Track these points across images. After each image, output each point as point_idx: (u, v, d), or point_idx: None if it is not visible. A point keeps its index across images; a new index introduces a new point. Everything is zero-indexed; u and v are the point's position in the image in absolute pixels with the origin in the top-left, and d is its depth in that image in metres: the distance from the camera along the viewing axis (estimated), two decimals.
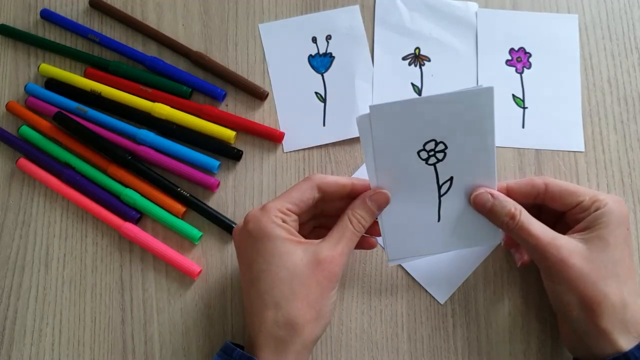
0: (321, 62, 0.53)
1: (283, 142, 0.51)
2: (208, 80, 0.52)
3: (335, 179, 0.40)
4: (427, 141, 0.39)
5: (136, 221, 0.49)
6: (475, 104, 0.37)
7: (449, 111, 0.38)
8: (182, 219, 0.49)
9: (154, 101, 0.51)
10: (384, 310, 0.47)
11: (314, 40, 0.54)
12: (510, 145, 0.50)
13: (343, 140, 0.51)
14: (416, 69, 0.52)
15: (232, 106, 0.52)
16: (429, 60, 0.53)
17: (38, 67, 0.53)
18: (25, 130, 0.51)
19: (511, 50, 0.53)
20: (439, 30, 0.53)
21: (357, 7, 0.54)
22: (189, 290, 0.47)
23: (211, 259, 0.48)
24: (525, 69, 0.52)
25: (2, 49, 0.55)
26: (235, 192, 0.50)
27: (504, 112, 0.51)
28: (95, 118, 0.51)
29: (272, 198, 0.48)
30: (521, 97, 0.51)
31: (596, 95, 0.51)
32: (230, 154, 0.50)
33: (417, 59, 0.53)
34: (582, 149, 0.50)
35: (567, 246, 0.38)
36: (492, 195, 0.40)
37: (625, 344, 0.36)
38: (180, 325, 0.46)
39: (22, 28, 0.55)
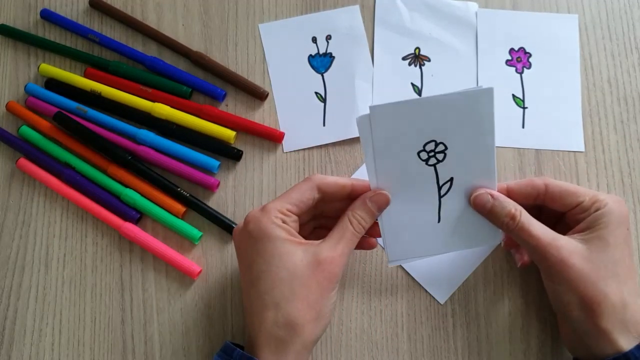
0: (321, 62, 0.53)
1: (283, 142, 0.51)
2: (208, 80, 0.52)
3: (335, 180, 0.40)
4: (427, 142, 0.39)
5: (136, 221, 0.49)
6: (475, 105, 0.37)
7: (449, 112, 0.38)
8: (182, 219, 0.49)
9: (154, 101, 0.51)
10: (384, 310, 0.47)
11: (314, 40, 0.54)
12: (510, 145, 0.50)
13: (343, 140, 0.51)
14: (416, 69, 0.52)
15: (232, 106, 0.52)
16: (429, 60, 0.53)
17: (38, 67, 0.53)
18: (25, 130, 0.51)
19: (511, 50, 0.53)
20: (439, 30, 0.53)
21: (357, 7, 0.54)
22: (189, 290, 0.47)
23: (211, 259, 0.48)
24: (525, 69, 0.52)
25: (2, 49, 0.55)
26: (235, 192, 0.50)
27: (504, 112, 0.51)
28: (95, 118, 0.51)
29: (272, 198, 0.48)
30: (521, 97, 0.51)
31: (596, 95, 0.51)
32: (230, 154, 0.50)
33: (417, 59, 0.53)
34: (582, 149, 0.50)
35: (568, 246, 0.38)
36: (492, 195, 0.40)
37: (626, 344, 0.37)
38: (180, 325, 0.47)
39: (22, 28, 0.55)
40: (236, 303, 0.47)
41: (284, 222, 0.38)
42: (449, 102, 0.37)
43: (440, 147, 0.39)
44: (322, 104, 0.52)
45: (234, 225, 0.47)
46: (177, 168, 0.49)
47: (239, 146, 0.51)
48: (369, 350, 0.46)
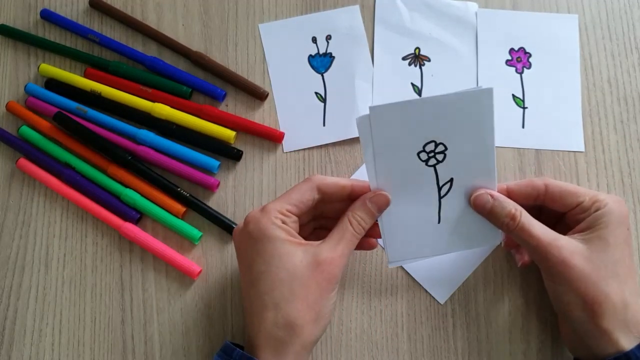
0: (321, 62, 0.53)
1: (283, 142, 0.51)
2: (208, 80, 0.52)
3: (335, 180, 0.40)
4: (427, 142, 0.39)
5: (136, 221, 0.49)
6: (475, 105, 0.37)
7: (449, 112, 0.38)
8: (182, 219, 0.49)
9: (154, 101, 0.51)
10: (384, 310, 0.47)
11: (314, 40, 0.54)
12: (510, 145, 0.50)
13: (343, 140, 0.51)
14: (416, 69, 0.52)
15: (232, 106, 0.52)
16: (429, 60, 0.53)
17: (38, 67, 0.53)
18: (25, 130, 0.51)
19: (511, 50, 0.53)
20: (439, 30, 0.53)
21: (357, 7, 0.54)
22: (189, 290, 0.47)
23: (211, 259, 0.48)
24: (525, 69, 0.52)
25: (2, 49, 0.55)
26: (235, 192, 0.50)
27: (504, 112, 0.51)
28: (95, 118, 0.51)
29: (272, 198, 0.49)
30: (521, 97, 0.51)
31: (596, 95, 0.51)
32: (230, 154, 0.50)
33: (417, 59, 0.53)
34: (582, 149, 0.50)
35: (568, 247, 0.38)
36: (492, 196, 0.40)
37: (627, 343, 0.37)
38: (180, 325, 0.47)
39: (22, 28, 0.55)
40: (236, 303, 0.47)
41: (283, 222, 0.38)
42: (448, 102, 0.37)
43: (440, 148, 0.39)
44: (322, 104, 0.52)
45: (234, 225, 0.47)
46: (177, 168, 0.49)
47: (239, 146, 0.51)
48: (369, 350, 0.46)
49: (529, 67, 0.52)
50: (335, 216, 0.41)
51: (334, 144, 0.51)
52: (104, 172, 0.50)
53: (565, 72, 0.52)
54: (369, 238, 0.43)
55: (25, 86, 0.53)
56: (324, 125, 0.51)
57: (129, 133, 0.51)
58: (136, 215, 0.49)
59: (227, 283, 0.47)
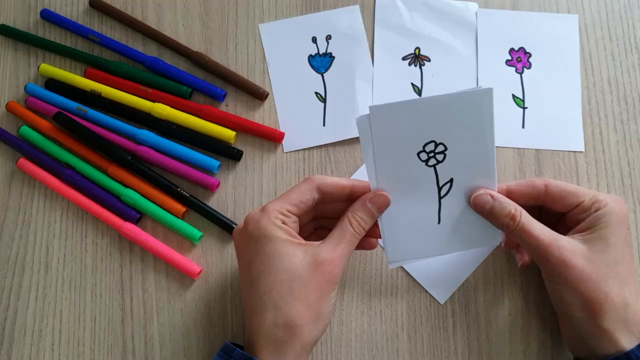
0: (321, 62, 0.53)
1: (283, 142, 0.51)
2: (208, 80, 0.52)
3: (335, 181, 0.40)
4: (427, 142, 0.39)
5: (136, 221, 0.49)
6: (474, 105, 0.37)
7: (449, 112, 0.38)
8: (182, 219, 0.49)
9: (154, 101, 0.51)
10: (384, 310, 0.47)
11: (314, 40, 0.54)
12: (510, 145, 0.50)
13: (343, 140, 0.51)
14: (416, 69, 0.52)
15: (232, 106, 0.52)
16: (429, 60, 0.53)
17: (38, 67, 0.53)
18: (25, 130, 0.51)
19: (511, 50, 0.53)
20: (439, 30, 0.53)
21: (357, 7, 0.54)
22: (189, 290, 0.47)
23: (211, 259, 0.48)
24: (525, 69, 0.52)
25: (2, 49, 0.55)
26: (235, 192, 0.50)
27: (504, 112, 0.51)
28: (95, 118, 0.51)
29: (272, 198, 0.49)
30: (521, 97, 0.51)
31: (596, 95, 0.51)
32: (230, 154, 0.50)
33: (417, 59, 0.53)
34: (582, 149, 0.50)
35: (569, 247, 0.38)
36: (491, 196, 0.39)
37: (627, 343, 0.37)
38: (180, 326, 0.46)
39: (22, 28, 0.55)
40: (236, 303, 0.47)
41: (283, 222, 0.38)
42: (448, 102, 0.37)
43: (440, 148, 0.39)
44: (322, 104, 0.52)
45: (234, 225, 0.47)
46: (177, 168, 0.49)
47: (239, 146, 0.51)
48: (369, 350, 0.46)
49: (529, 67, 0.52)
50: (336, 216, 0.41)
51: (334, 144, 0.51)
52: (104, 172, 0.50)
53: (565, 72, 0.52)
54: (369, 238, 0.43)
55: (25, 86, 0.53)
56: (324, 125, 0.51)
57: (129, 133, 0.51)
58: (136, 215, 0.49)
59: (227, 283, 0.47)
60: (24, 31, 0.54)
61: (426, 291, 0.47)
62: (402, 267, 0.47)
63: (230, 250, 0.48)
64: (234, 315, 0.47)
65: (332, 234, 0.39)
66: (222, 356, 0.38)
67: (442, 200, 0.40)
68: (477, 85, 0.52)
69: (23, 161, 0.50)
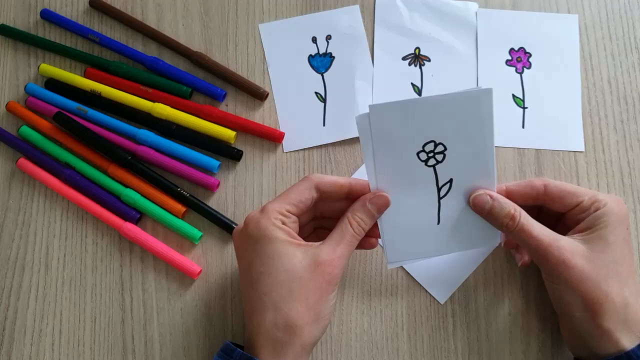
0: (321, 62, 0.53)
1: (283, 142, 0.51)
2: (208, 80, 0.52)
3: (333, 179, 0.40)
4: (427, 142, 0.39)
5: (136, 221, 0.49)
6: (474, 105, 0.37)
7: (448, 112, 0.38)
8: (182, 219, 0.49)
9: (154, 101, 0.51)
10: (384, 310, 0.47)
11: (314, 40, 0.54)
12: (510, 145, 0.50)
13: (343, 140, 0.51)
14: (416, 69, 0.52)
15: (232, 106, 0.52)
16: (429, 60, 0.53)
17: (38, 67, 0.53)
18: (25, 130, 0.51)
19: (511, 50, 0.53)
20: (439, 30, 0.53)
21: (357, 7, 0.54)
22: (189, 290, 0.47)
23: (211, 259, 0.48)
24: (525, 69, 0.52)
25: (2, 49, 0.55)
26: (235, 192, 0.50)
27: (504, 112, 0.51)
28: (95, 118, 0.51)
29: (272, 198, 0.48)
30: (521, 97, 0.51)
31: (596, 95, 0.51)
32: (230, 154, 0.50)
33: (417, 59, 0.53)
34: (582, 149, 0.50)
35: (568, 247, 0.38)
36: (491, 196, 0.39)
37: (628, 343, 0.37)
38: (180, 325, 0.46)
39: (22, 28, 0.55)
40: (236, 303, 0.47)
41: (283, 223, 0.38)
42: (448, 102, 0.37)
43: (440, 148, 0.39)
44: (322, 104, 0.52)
45: (234, 225, 0.47)
46: (177, 168, 0.49)
47: (239, 146, 0.51)
48: (369, 350, 0.46)
49: (529, 67, 0.52)
50: (335, 216, 0.41)
51: (334, 144, 0.51)
52: (104, 172, 0.50)
53: (565, 72, 0.52)
54: (369, 238, 0.43)
55: (25, 86, 0.53)
56: (324, 125, 0.51)
57: (129, 133, 0.51)
58: (136, 215, 0.49)
59: (227, 283, 0.47)
60: (24, 31, 0.54)
61: (426, 291, 0.47)
62: (402, 267, 0.47)
63: (230, 250, 0.48)
64: (234, 315, 0.47)
65: (332, 234, 0.39)
66: (223, 356, 0.38)
67: (441, 200, 0.40)
68: (477, 85, 0.52)
69: (23, 161, 0.50)
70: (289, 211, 0.39)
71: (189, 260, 0.47)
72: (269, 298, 0.36)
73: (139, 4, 0.55)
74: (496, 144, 0.39)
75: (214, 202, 0.49)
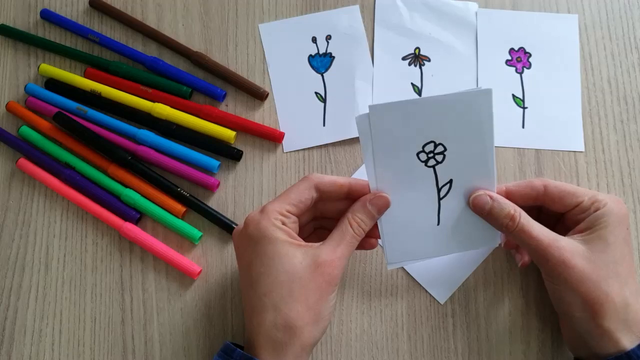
0: (321, 62, 0.53)
1: (283, 142, 0.51)
2: (208, 80, 0.52)
3: (333, 179, 0.40)
4: (426, 142, 0.39)
5: (136, 221, 0.49)
6: (473, 106, 0.37)
7: (448, 113, 0.38)
8: (182, 219, 0.49)
9: (154, 101, 0.51)
10: (384, 310, 0.47)
11: (314, 40, 0.54)
12: (510, 145, 0.50)
13: (343, 140, 0.51)
14: (416, 69, 0.52)
15: (232, 106, 0.52)
16: (429, 60, 0.53)
17: (38, 67, 0.53)
18: (25, 130, 0.51)
19: (511, 50, 0.53)
20: (439, 30, 0.53)
21: (357, 7, 0.54)
22: (189, 290, 0.47)
23: (211, 259, 0.48)
24: (525, 69, 0.52)
25: (2, 49, 0.55)
26: (235, 192, 0.50)
27: (504, 112, 0.51)
28: (95, 118, 0.51)
29: (272, 198, 0.48)
30: (521, 97, 0.51)
31: (596, 95, 0.51)
32: (230, 154, 0.50)
33: (417, 59, 0.53)
34: (582, 149, 0.50)
35: (568, 247, 0.38)
36: (490, 197, 0.39)
37: (628, 343, 0.37)
38: (180, 325, 0.47)
39: (22, 28, 0.55)
40: (236, 303, 0.47)
41: (283, 223, 0.38)
42: (447, 102, 0.37)
43: (440, 148, 0.39)
44: (322, 104, 0.52)
45: (234, 226, 0.47)
46: (177, 168, 0.49)
47: (239, 146, 0.51)
48: (369, 350, 0.46)
49: (529, 67, 0.52)
50: (335, 216, 0.41)
51: (333, 144, 0.51)
52: (104, 172, 0.50)
53: (565, 72, 0.52)
54: (369, 238, 0.43)
55: (25, 86, 0.53)
56: (324, 125, 0.51)
57: (129, 133, 0.51)
58: (136, 215, 0.49)
59: (227, 283, 0.47)
60: (24, 31, 0.54)
61: (426, 291, 0.47)
62: (402, 267, 0.47)
63: (230, 250, 0.48)
64: (234, 315, 0.47)
65: (332, 235, 0.39)
66: (223, 356, 0.38)
67: (441, 201, 0.40)
68: (477, 85, 0.52)
69: (23, 161, 0.50)
70: (289, 211, 0.39)
71: (189, 260, 0.47)
72: (268, 298, 0.36)
73: (139, 4, 0.55)
74: (496, 144, 0.39)
75: (214, 202, 0.49)
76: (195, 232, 0.48)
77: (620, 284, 0.38)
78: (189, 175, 0.49)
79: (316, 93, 0.52)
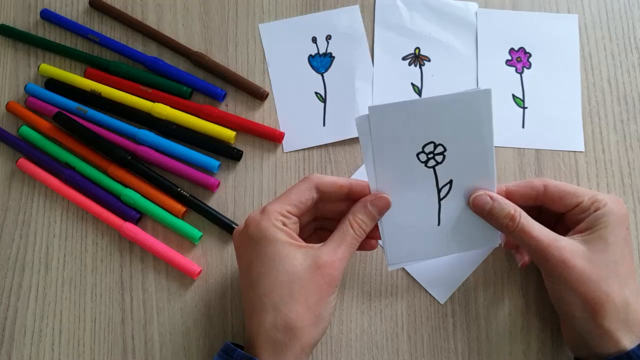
0: (321, 62, 0.53)
1: (283, 142, 0.51)
2: (208, 80, 0.52)
3: (333, 180, 0.40)
4: (426, 143, 0.39)
5: (136, 221, 0.49)
6: (473, 106, 0.37)
7: (448, 113, 0.38)
8: (182, 219, 0.49)
9: (154, 101, 0.51)
10: (384, 310, 0.47)
11: (314, 40, 0.54)
12: (510, 145, 0.50)
13: (343, 140, 0.51)
14: (416, 69, 0.52)
15: (232, 106, 0.52)
16: (429, 60, 0.53)
17: (38, 67, 0.53)
18: (25, 130, 0.51)
19: (511, 50, 0.53)
20: (439, 30, 0.53)
21: (357, 7, 0.54)
22: (189, 290, 0.47)
23: (211, 259, 0.48)
24: (525, 69, 0.52)
25: (2, 49, 0.55)
26: (235, 192, 0.50)
27: (504, 112, 0.51)
28: (95, 118, 0.51)
29: (272, 198, 0.49)
30: (521, 97, 0.51)
31: (596, 95, 0.51)
32: (230, 154, 0.50)
33: (417, 59, 0.53)
34: (582, 149, 0.50)
35: (568, 247, 0.38)
36: (490, 197, 0.39)
37: (628, 343, 0.37)
38: (180, 325, 0.47)
39: (22, 28, 0.55)
40: (236, 303, 0.47)
41: (284, 224, 0.38)
42: (447, 103, 0.37)
43: (439, 149, 0.39)
44: (322, 104, 0.52)
45: (234, 226, 0.48)
46: (177, 168, 0.49)
47: (239, 146, 0.51)
48: (369, 350, 0.46)
49: (529, 67, 0.52)
50: (335, 217, 0.41)
51: (333, 144, 0.51)
52: (104, 172, 0.50)
53: (565, 72, 0.52)
54: (369, 239, 0.43)
55: (25, 86, 0.53)
56: (324, 125, 0.51)
57: (129, 133, 0.51)
58: (136, 215, 0.49)
59: (227, 283, 0.47)
60: (24, 31, 0.54)
61: (426, 291, 0.47)
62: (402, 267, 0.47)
63: (230, 250, 0.48)
64: (234, 315, 0.47)
65: (333, 236, 0.39)
66: (223, 356, 0.38)
67: (441, 201, 0.40)
68: (477, 85, 0.52)
69: (23, 161, 0.50)
70: (289, 212, 0.39)
71: (189, 260, 0.47)
72: (269, 299, 0.36)
73: (139, 4, 0.55)
74: (496, 144, 0.39)
75: (214, 202, 0.49)
76: (195, 232, 0.48)
77: (620, 284, 0.38)
78: (189, 175, 0.49)
79: (316, 93, 0.52)
